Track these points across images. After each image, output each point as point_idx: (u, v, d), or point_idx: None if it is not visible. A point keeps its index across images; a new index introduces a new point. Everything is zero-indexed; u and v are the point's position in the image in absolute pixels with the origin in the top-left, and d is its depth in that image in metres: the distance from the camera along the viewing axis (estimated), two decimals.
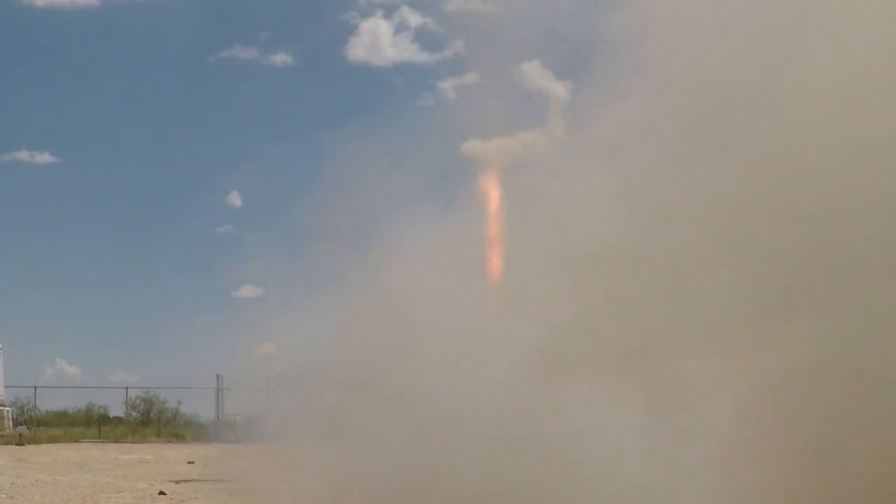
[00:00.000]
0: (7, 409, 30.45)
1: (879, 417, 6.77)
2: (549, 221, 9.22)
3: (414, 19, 55.91)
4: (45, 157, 51.94)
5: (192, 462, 21.00)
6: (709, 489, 7.02)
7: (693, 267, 7.97)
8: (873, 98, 7.31)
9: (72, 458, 22.28)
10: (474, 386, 8.33)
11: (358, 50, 53.96)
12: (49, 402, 38.25)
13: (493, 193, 10.33)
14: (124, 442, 32.02)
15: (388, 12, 59.84)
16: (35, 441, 29.65)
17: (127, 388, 36.57)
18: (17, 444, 28.12)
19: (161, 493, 12.44)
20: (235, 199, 53.62)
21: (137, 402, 37.03)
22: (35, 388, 34.79)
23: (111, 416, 37.71)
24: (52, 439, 30.95)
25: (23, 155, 51.57)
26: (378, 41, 52.29)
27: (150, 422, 36.81)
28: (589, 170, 9.14)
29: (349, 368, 10.76)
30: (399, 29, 54.30)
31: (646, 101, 8.94)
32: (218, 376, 35.39)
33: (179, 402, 37.74)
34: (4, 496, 12.18)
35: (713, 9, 8.48)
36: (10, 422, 30.18)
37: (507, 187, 10.60)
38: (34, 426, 32.97)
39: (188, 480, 15.22)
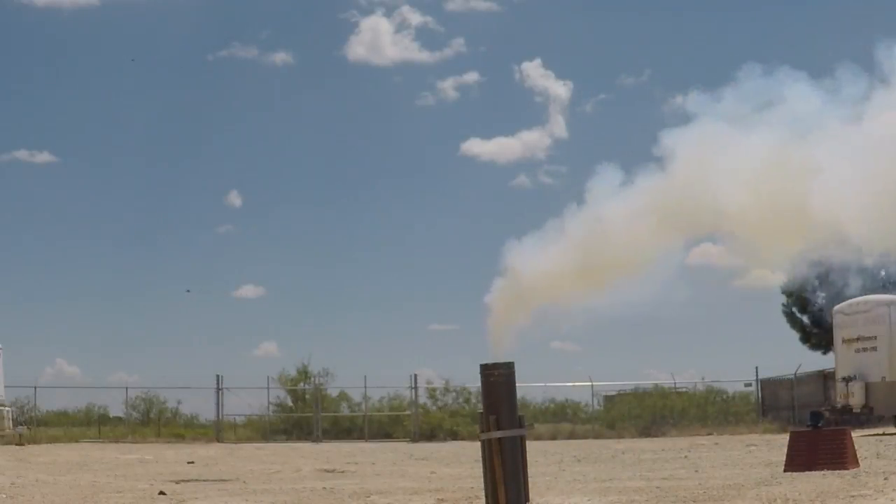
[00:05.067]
0: (7, 409, 30.41)
1: None
2: None
3: (414, 18, 55.95)
4: (44, 157, 51.99)
5: (192, 462, 21.02)
6: None
7: None
8: None
9: (72, 458, 22.29)
10: None
11: (358, 49, 53.92)
12: (49, 402, 38.19)
13: None
14: (124, 442, 32.03)
15: (389, 11, 59.78)
16: (35, 441, 29.64)
17: (127, 388, 36.60)
18: (17, 444, 28.11)
19: (161, 493, 12.43)
20: (235, 199, 53.73)
21: (137, 402, 37.02)
22: (35, 388, 34.79)
23: (111, 416, 37.71)
24: (52, 439, 30.95)
25: (22, 154, 51.63)
26: (378, 40, 52.26)
27: (150, 422, 36.80)
28: None
29: None
30: (400, 28, 54.27)
31: None
32: (218, 376, 35.48)
33: (179, 402, 37.79)
34: (4, 496, 12.17)
35: None
36: (11, 422, 30.14)
37: None
38: (34, 426, 32.94)
39: (188, 480, 15.22)
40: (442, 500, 10.76)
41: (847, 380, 27.61)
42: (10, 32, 55.21)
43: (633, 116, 56.28)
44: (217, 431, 34.76)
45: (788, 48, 54.34)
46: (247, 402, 36.73)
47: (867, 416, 27.68)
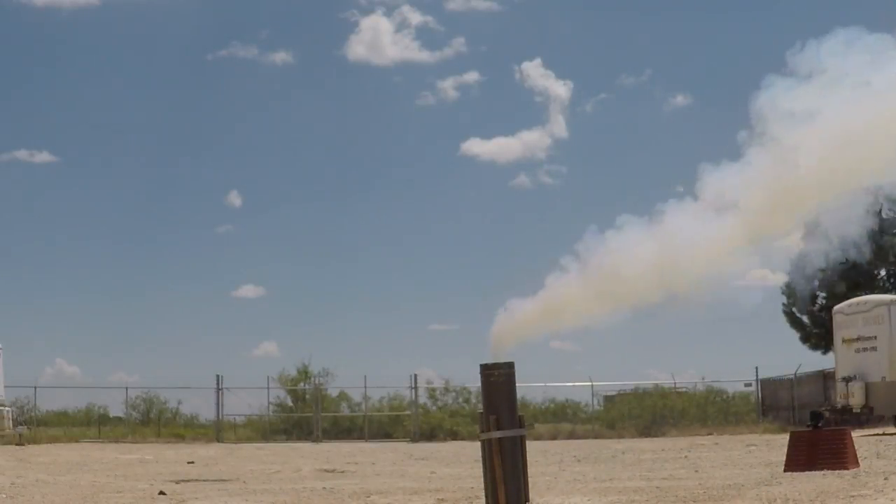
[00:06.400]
0: (7, 409, 30.41)
1: None
2: None
3: (415, 18, 55.97)
4: (44, 157, 52.04)
5: (192, 462, 21.02)
6: None
7: None
8: None
9: (72, 458, 22.29)
10: None
11: (358, 49, 53.93)
12: (49, 402, 38.24)
13: None
14: (124, 442, 32.03)
15: (389, 10, 59.85)
16: (35, 441, 29.65)
17: (127, 388, 36.64)
18: (17, 444, 28.11)
19: (161, 493, 12.43)
20: (235, 199, 53.74)
21: (137, 402, 37.05)
22: (35, 388, 34.84)
23: (111, 416, 37.73)
24: (52, 439, 30.95)
25: (22, 154, 51.66)
26: (378, 39, 52.25)
27: (150, 422, 36.81)
28: None
29: None
30: (400, 27, 54.28)
31: None
32: (218, 376, 35.48)
33: (179, 402, 37.83)
34: (4, 496, 12.17)
35: None
36: (10, 422, 30.14)
37: None
38: (34, 426, 32.95)
39: (188, 480, 15.21)
40: (442, 500, 10.76)
41: (847, 380, 27.61)
42: (10, 32, 55.25)
43: (633, 116, 56.37)
44: (217, 431, 34.76)
45: (787, 47, 54.22)
46: (247, 402, 36.79)
47: (867, 416, 27.68)
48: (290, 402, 37.72)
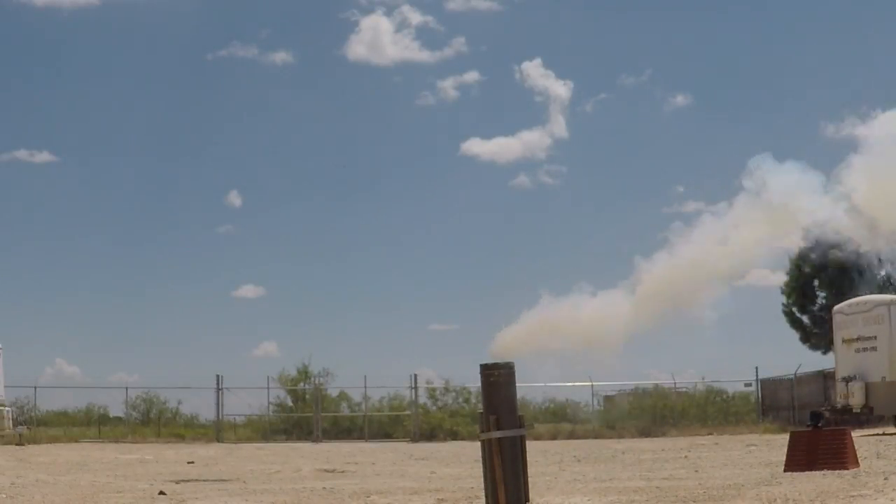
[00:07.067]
0: (7, 409, 30.42)
1: None
2: None
3: (415, 17, 56.01)
4: (44, 157, 52.06)
5: (192, 462, 21.03)
6: None
7: None
8: None
9: (72, 458, 22.29)
10: None
11: (358, 48, 53.94)
12: (49, 402, 38.26)
13: None
14: (124, 442, 32.04)
15: (389, 10, 59.87)
16: (35, 441, 29.66)
17: (127, 388, 36.65)
18: (17, 444, 28.12)
19: (161, 493, 12.43)
20: (235, 199, 53.75)
21: (137, 402, 37.06)
22: (35, 388, 34.87)
23: (111, 416, 37.75)
24: (52, 439, 30.97)
25: (22, 154, 51.67)
26: (378, 39, 52.26)
27: (150, 422, 36.83)
28: None
29: None
30: (400, 27, 54.30)
31: None
32: (218, 376, 35.49)
33: (179, 402, 37.84)
34: (4, 496, 12.17)
35: None
36: (10, 422, 30.15)
37: None
38: (34, 426, 32.96)
39: (188, 480, 15.22)
40: (442, 500, 10.76)
41: (847, 380, 27.61)
42: (10, 32, 55.25)
43: (633, 116, 56.39)
44: (217, 431, 34.77)
45: (789, 47, 54.34)
46: (247, 402, 36.82)
47: (867, 416, 27.68)
48: (290, 402, 37.72)
